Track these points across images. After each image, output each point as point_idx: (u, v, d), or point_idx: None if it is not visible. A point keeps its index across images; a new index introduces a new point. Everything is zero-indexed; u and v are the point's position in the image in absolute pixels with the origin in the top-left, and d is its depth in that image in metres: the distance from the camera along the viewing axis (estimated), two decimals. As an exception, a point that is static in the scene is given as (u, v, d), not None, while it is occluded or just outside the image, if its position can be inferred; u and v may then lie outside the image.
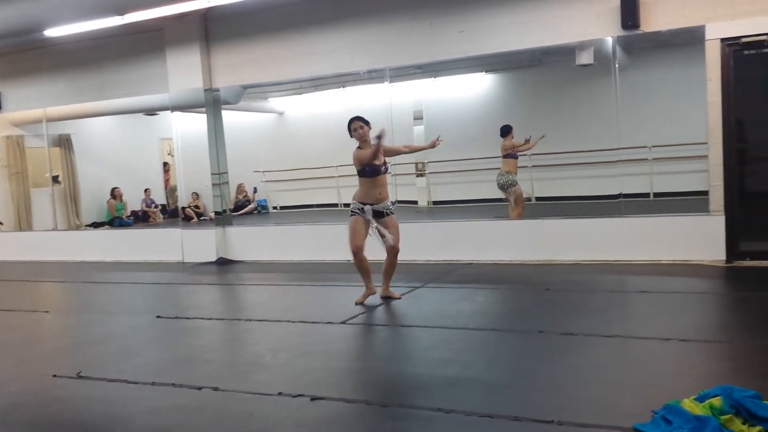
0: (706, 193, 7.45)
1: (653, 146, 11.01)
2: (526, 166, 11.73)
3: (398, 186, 9.69)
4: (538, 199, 11.96)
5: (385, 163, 6.27)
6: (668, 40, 7.80)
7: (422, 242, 8.83)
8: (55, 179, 12.84)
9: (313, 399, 3.90)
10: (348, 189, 12.57)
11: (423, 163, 12.37)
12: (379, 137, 5.77)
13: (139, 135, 15.13)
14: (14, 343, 5.89)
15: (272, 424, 3.68)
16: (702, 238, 7.39)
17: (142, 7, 8.86)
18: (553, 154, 11.75)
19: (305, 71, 9.49)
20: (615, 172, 8.60)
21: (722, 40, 7.16)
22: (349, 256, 6.40)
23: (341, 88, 12.04)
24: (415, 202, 12.43)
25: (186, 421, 3.80)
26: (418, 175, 12.35)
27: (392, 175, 9.52)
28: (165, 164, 15.72)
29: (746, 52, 7.12)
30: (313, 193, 14.20)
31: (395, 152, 6.64)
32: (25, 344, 5.87)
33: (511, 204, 9.62)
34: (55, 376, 4.69)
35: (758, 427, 3.07)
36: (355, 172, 6.26)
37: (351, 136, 6.22)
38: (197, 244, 10.25)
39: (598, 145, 10.17)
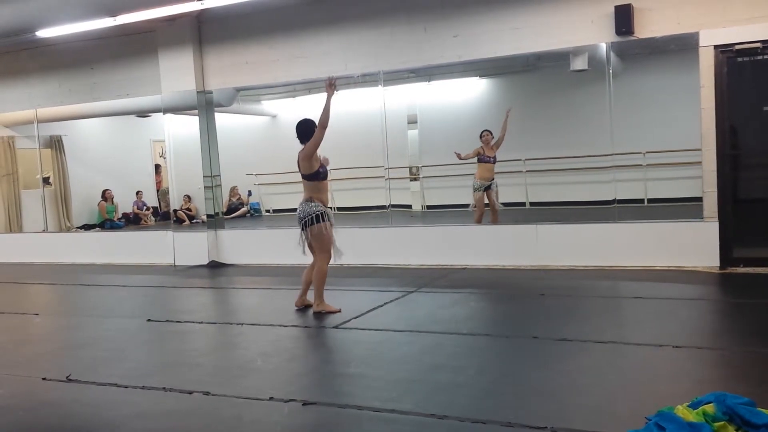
0: (699, 199, 7.46)
1: (647, 152, 11.04)
2: (520, 171, 11.76)
3: (392, 190, 9.66)
4: (531, 204, 11.96)
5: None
6: (662, 47, 7.82)
7: (416, 246, 8.82)
8: (45, 181, 12.77)
9: (305, 404, 3.87)
10: (342, 192, 12.63)
11: (417, 167, 12.36)
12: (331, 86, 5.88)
13: (130, 137, 15.06)
14: (3, 346, 5.84)
15: (263, 429, 3.65)
16: (696, 245, 7.40)
17: (134, 8, 8.82)
18: (547, 160, 11.77)
19: (298, 74, 9.46)
20: (609, 178, 8.60)
21: (716, 47, 7.19)
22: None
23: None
24: (409, 207, 12.41)
25: (176, 425, 3.76)
26: (412, 179, 12.34)
27: (385, 179, 9.56)
28: (157, 166, 15.66)
29: (740, 59, 7.16)
30: (306, 196, 14.10)
31: (323, 128, 6.37)
32: (14, 347, 5.82)
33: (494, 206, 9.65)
34: (44, 379, 4.65)
35: (752, 434, 3.06)
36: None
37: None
38: (189, 247, 10.19)
39: (592, 150, 10.18)
